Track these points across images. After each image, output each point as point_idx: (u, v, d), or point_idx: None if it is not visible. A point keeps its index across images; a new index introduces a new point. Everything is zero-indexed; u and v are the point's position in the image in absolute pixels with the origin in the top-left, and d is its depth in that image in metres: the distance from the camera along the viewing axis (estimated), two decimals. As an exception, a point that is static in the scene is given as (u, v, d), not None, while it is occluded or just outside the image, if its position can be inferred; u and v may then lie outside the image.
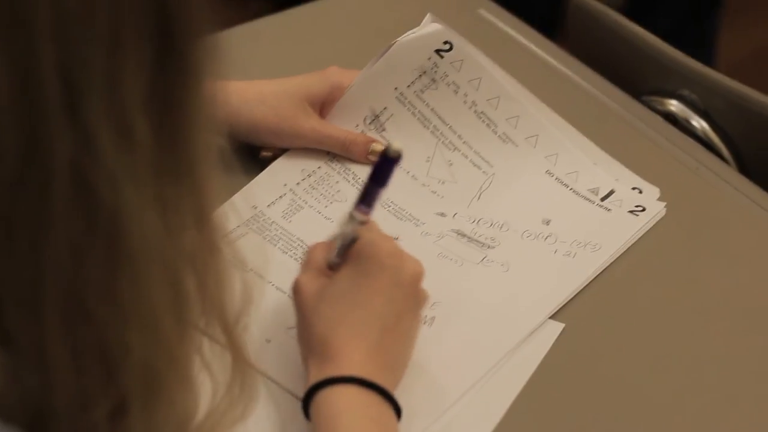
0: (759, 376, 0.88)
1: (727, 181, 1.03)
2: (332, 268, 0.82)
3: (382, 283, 0.80)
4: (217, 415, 0.63)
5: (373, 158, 1.00)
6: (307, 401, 0.77)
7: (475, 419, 0.82)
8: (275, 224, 0.96)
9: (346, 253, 0.82)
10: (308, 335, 0.80)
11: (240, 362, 0.63)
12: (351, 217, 0.81)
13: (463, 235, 0.96)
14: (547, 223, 0.96)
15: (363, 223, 0.81)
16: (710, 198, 1.02)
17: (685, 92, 1.12)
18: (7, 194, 0.50)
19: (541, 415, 0.84)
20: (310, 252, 0.84)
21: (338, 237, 0.82)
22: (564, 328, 0.88)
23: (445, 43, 1.00)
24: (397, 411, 0.78)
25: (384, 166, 0.79)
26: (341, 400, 0.76)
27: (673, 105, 1.13)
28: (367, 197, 0.80)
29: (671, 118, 1.12)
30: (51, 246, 0.51)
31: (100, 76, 0.50)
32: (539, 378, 0.85)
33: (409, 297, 0.81)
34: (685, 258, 0.96)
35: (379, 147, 1.00)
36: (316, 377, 0.78)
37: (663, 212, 0.97)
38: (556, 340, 0.88)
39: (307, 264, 0.83)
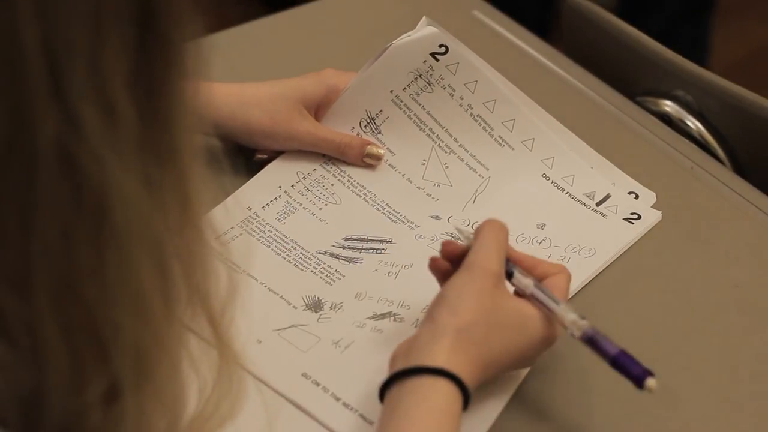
0: (755, 376, 0.88)
1: (722, 181, 1.03)
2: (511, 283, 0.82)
3: (534, 347, 0.80)
4: (208, 411, 0.63)
5: (369, 161, 1.01)
6: (415, 372, 0.75)
7: (470, 419, 0.82)
8: (269, 226, 0.96)
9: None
10: (464, 321, 0.77)
11: (227, 357, 0.63)
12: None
13: (458, 239, 0.96)
14: (542, 227, 0.96)
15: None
16: (705, 198, 1.02)
17: (680, 93, 1.13)
18: None
19: (536, 415, 0.84)
20: (494, 237, 0.81)
21: (541, 290, 0.81)
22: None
23: (441, 46, 1.00)
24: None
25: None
26: (444, 400, 0.75)
27: (668, 106, 1.13)
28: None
29: (666, 119, 1.12)
30: (38, 226, 0.51)
31: (84, 54, 0.50)
32: (534, 377, 0.85)
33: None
34: (681, 258, 0.96)
35: (374, 149, 1.01)
36: (443, 363, 0.75)
37: (658, 220, 0.97)
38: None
39: (493, 253, 0.80)
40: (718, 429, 0.85)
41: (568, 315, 0.80)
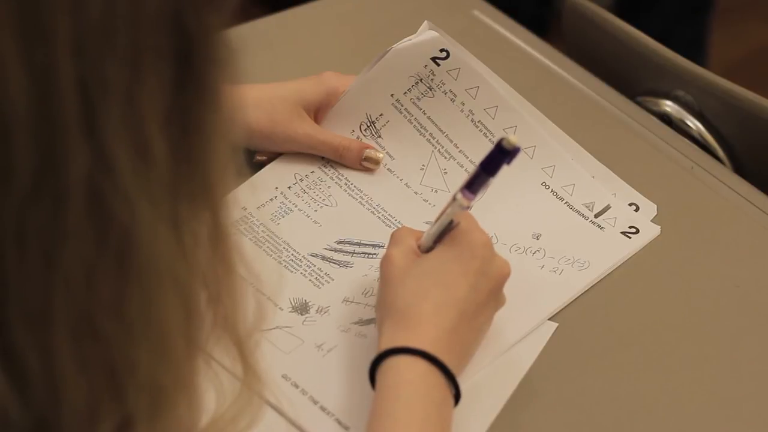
0: (755, 376, 0.88)
1: (722, 181, 1.03)
2: (423, 251, 0.84)
3: (471, 271, 0.81)
4: (221, 425, 0.63)
5: (367, 165, 1.01)
6: (375, 365, 0.79)
7: (470, 419, 0.82)
8: (263, 226, 0.96)
9: (440, 238, 0.84)
10: (390, 303, 0.81)
11: (250, 375, 0.63)
12: (454, 200, 0.82)
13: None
14: (537, 237, 0.96)
15: (464, 207, 0.82)
16: (705, 198, 1.02)
17: (680, 93, 1.12)
18: (21, 209, 0.50)
19: (535, 414, 0.84)
20: (399, 232, 0.86)
21: (436, 222, 0.84)
22: (557, 328, 0.89)
23: (442, 50, 0.99)
24: (456, 398, 0.79)
25: (496, 156, 0.80)
26: (409, 371, 0.77)
27: (668, 105, 1.13)
28: (474, 184, 0.81)
29: (666, 119, 1.12)
30: (63, 262, 0.51)
31: (120, 93, 0.50)
32: (533, 377, 0.85)
33: (492, 292, 0.83)
34: (681, 258, 0.96)
35: (373, 153, 1.01)
36: (389, 343, 0.79)
37: (657, 234, 0.97)
38: (550, 339, 0.88)
39: (397, 241, 0.85)
40: (718, 429, 0.85)
41: (448, 211, 0.82)
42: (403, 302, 0.80)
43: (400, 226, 0.97)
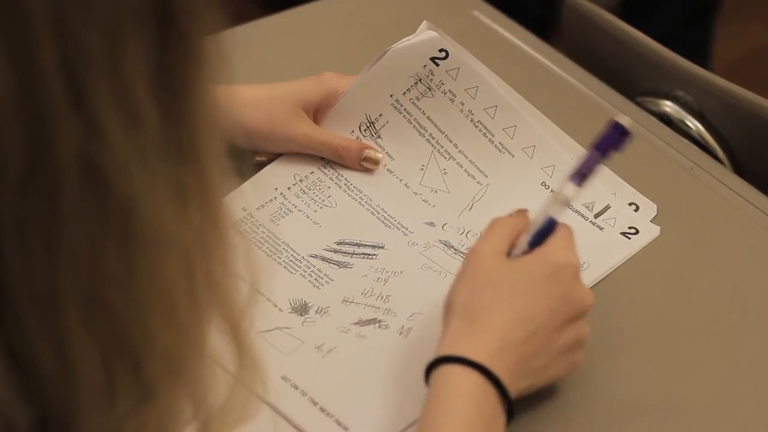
0: (755, 376, 0.88)
1: (721, 182, 1.03)
2: (516, 254, 0.82)
3: (553, 295, 0.79)
4: (226, 411, 0.63)
5: (367, 165, 1.01)
6: (432, 366, 0.77)
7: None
8: (263, 227, 0.96)
9: (539, 240, 0.81)
10: (463, 303, 0.79)
11: (246, 358, 0.62)
12: (557, 194, 0.80)
13: (450, 247, 0.95)
14: None
15: (568, 201, 0.80)
16: (705, 198, 1.02)
17: (680, 93, 1.12)
18: (18, 193, 0.50)
19: (535, 414, 0.84)
20: (497, 226, 0.83)
21: (535, 223, 0.82)
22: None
23: (441, 50, 0.99)
24: (509, 416, 0.78)
25: (612, 136, 0.78)
26: (461, 384, 0.76)
27: (668, 106, 1.13)
28: (585, 167, 0.79)
29: (666, 119, 1.12)
30: (66, 241, 0.51)
31: (103, 64, 0.49)
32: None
33: (568, 320, 0.80)
34: (681, 259, 0.96)
35: (372, 153, 1.01)
36: (449, 347, 0.77)
37: (656, 235, 0.97)
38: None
39: (492, 235, 0.82)
40: (718, 429, 0.85)
41: (554, 204, 0.80)
42: (478, 307, 0.79)
43: (399, 226, 0.97)
